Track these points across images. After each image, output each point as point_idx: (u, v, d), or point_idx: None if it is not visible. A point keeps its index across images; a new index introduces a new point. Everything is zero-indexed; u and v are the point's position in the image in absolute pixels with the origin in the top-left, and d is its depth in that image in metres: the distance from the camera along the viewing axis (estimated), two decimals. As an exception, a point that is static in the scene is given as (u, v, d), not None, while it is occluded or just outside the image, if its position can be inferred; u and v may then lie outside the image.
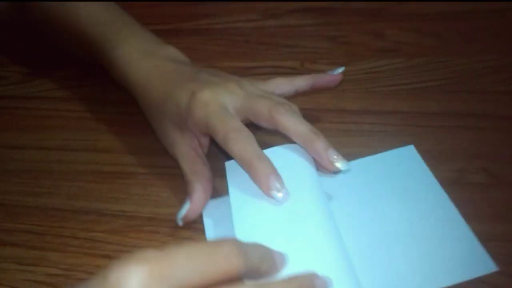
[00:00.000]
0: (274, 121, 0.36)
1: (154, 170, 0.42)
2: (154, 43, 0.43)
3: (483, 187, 0.38)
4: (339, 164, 0.35)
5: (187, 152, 0.39)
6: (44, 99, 0.51)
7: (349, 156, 0.41)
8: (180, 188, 0.40)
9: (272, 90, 0.41)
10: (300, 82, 0.42)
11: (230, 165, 0.37)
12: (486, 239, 0.34)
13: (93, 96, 0.50)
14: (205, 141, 0.40)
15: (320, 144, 0.35)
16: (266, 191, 0.33)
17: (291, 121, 0.36)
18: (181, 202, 0.38)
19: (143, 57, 0.42)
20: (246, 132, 0.35)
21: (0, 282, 0.35)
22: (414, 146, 0.41)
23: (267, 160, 0.34)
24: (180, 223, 0.37)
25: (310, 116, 0.45)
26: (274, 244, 0.29)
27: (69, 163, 0.44)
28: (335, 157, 0.35)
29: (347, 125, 0.44)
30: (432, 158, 0.40)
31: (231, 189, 0.36)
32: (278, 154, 0.36)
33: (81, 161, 0.44)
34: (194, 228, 0.37)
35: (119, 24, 0.45)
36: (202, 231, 0.37)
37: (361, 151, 0.41)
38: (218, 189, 0.39)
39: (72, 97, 0.50)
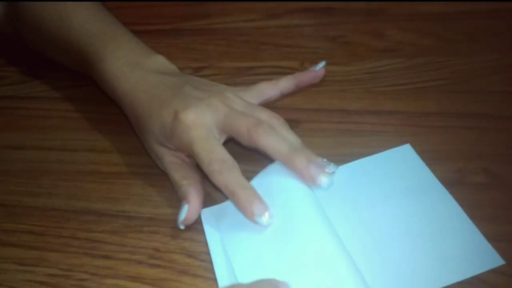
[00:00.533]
0: (254, 142, 0.36)
1: (154, 170, 0.42)
2: (140, 55, 0.43)
3: (483, 187, 0.38)
4: (321, 180, 0.35)
5: (175, 161, 0.39)
6: (44, 99, 0.51)
7: (349, 157, 0.41)
8: (180, 188, 0.40)
9: (258, 97, 0.41)
10: (284, 84, 0.42)
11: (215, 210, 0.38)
12: (486, 239, 0.34)
13: (93, 96, 0.50)
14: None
15: (299, 162, 0.35)
16: (251, 217, 0.34)
17: (269, 142, 0.36)
18: (181, 203, 0.38)
19: (130, 70, 0.42)
20: (230, 161, 0.36)
21: (0, 283, 0.35)
22: (414, 146, 0.41)
23: (249, 188, 0.35)
24: (182, 227, 0.37)
25: (310, 116, 0.45)
26: (277, 270, 0.31)
27: (69, 163, 0.44)
28: (315, 172, 0.35)
29: (347, 125, 0.44)
30: (432, 158, 0.40)
31: (224, 234, 0.36)
32: (265, 180, 0.37)
33: (81, 161, 0.44)
34: (194, 228, 0.37)
35: (107, 36, 0.44)
36: (202, 231, 0.37)
37: (361, 151, 0.41)
38: (213, 196, 0.39)
39: (72, 97, 0.50)
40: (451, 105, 0.45)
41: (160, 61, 0.43)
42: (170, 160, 0.39)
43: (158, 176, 0.41)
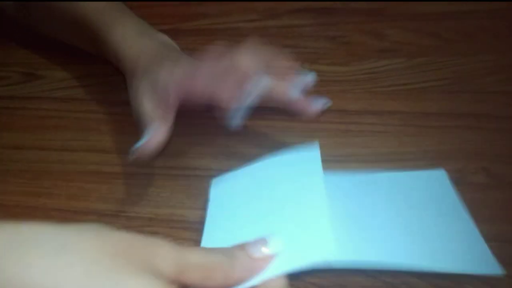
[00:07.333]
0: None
1: (154, 170, 0.42)
2: (148, 28, 0.46)
3: (483, 187, 0.38)
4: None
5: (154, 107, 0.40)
6: (44, 99, 0.51)
7: (349, 157, 0.41)
8: (180, 188, 0.40)
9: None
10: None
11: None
12: (486, 239, 0.34)
13: (93, 96, 0.50)
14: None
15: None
16: None
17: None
18: (181, 202, 0.38)
19: (138, 36, 0.44)
20: None
21: (0, 283, 0.35)
22: (414, 146, 0.41)
23: None
24: (133, 156, 0.37)
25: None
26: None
27: (69, 163, 0.44)
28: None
29: (347, 125, 0.44)
30: (432, 158, 0.40)
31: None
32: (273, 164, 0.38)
33: (81, 161, 0.44)
34: (193, 228, 0.37)
35: (116, 12, 0.46)
36: (201, 232, 0.37)
37: (361, 152, 0.41)
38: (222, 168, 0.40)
39: (72, 97, 0.50)
40: (451, 105, 0.45)
41: (165, 37, 0.45)
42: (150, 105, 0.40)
43: (158, 176, 0.41)
